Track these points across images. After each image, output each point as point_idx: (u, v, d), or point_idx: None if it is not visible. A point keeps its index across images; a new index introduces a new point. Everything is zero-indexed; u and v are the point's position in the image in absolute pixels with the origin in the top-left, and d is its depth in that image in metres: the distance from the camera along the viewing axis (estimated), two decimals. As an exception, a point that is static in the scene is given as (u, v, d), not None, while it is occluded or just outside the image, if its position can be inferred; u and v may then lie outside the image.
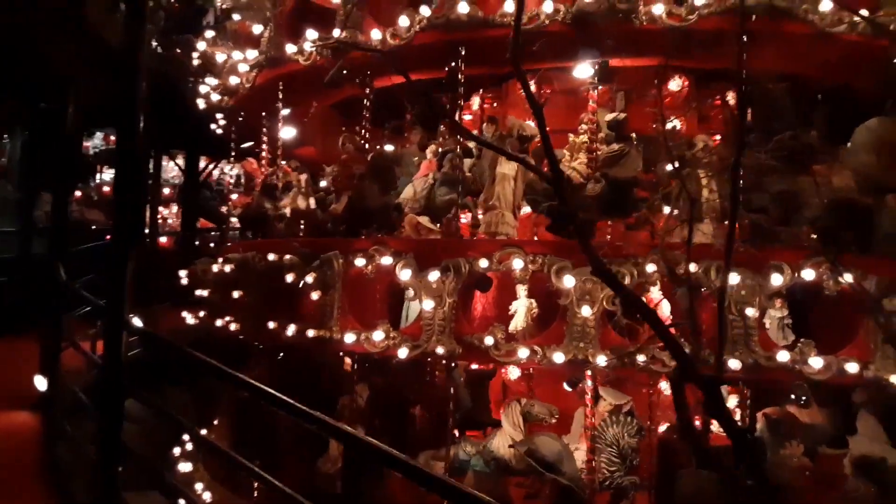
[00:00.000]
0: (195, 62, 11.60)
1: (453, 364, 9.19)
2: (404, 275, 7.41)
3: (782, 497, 7.65)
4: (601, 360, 6.82)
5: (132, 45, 5.21)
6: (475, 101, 11.05)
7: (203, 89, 11.34)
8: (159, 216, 16.77)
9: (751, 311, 6.80)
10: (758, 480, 7.87)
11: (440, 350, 7.26)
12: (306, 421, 4.20)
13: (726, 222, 7.06)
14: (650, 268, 6.87)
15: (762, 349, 6.88)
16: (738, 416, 10.08)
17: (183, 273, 10.84)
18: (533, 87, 10.44)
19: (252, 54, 9.75)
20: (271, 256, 8.81)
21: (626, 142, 7.64)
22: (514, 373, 10.01)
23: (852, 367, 6.93)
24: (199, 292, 10.93)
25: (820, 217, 7.82)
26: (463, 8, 7.76)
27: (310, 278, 7.99)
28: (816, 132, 7.83)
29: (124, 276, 4.99)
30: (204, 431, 9.49)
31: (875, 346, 7.07)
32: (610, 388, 8.63)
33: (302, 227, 9.77)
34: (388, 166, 8.39)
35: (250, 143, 12.31)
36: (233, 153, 11.88)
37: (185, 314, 10.97)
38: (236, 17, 11.09)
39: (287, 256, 8.53)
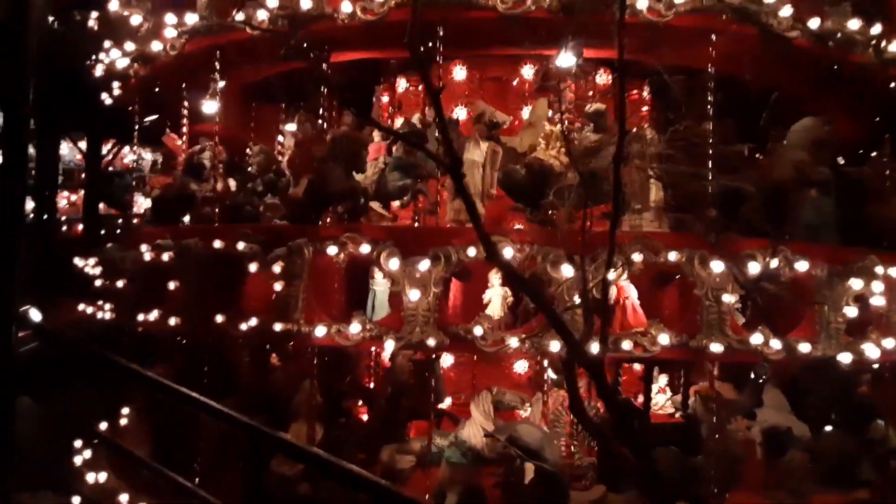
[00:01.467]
0: (95, 26, 10.36)
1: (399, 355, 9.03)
2: (392, 264, 7.10)
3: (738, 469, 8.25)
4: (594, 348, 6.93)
5: (17, 15, 4.52)
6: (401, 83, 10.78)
7: (109, 57, 10.14)
8: (67, 202, 14.94)
9: (727, 297, 7.20)
10: (695, 455, 8.45)
11: (431, 342, 7.04)
12: (215, 417, 3.94)
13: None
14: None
15: (734, 333, 7.31)
16: (668, 395, 10.78)
17: (91, 262, 9.69)
18: (466, 73, 10.38)
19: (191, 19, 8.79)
20: (218, 244, 8.10)
21: (605, 133, 7.76)
22: (447, 361, 9.96)
23: (804, 347, 7.54)
24: (101, 282, 9.87)
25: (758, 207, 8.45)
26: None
27: (277, 267, 7.42)
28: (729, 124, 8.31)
29: (12, 267, 4.33)
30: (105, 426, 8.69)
31: (820, 328, 7.76)
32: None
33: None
34: (353, 148, 7.95)
35: (154, 118, 11.22)
36: (136, 128, 10.74)
37: (89, 306, 9.85)
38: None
39: (241, 244, 7.87)
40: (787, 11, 7.67)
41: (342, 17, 7.83)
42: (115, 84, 10.57)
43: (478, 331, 7.15)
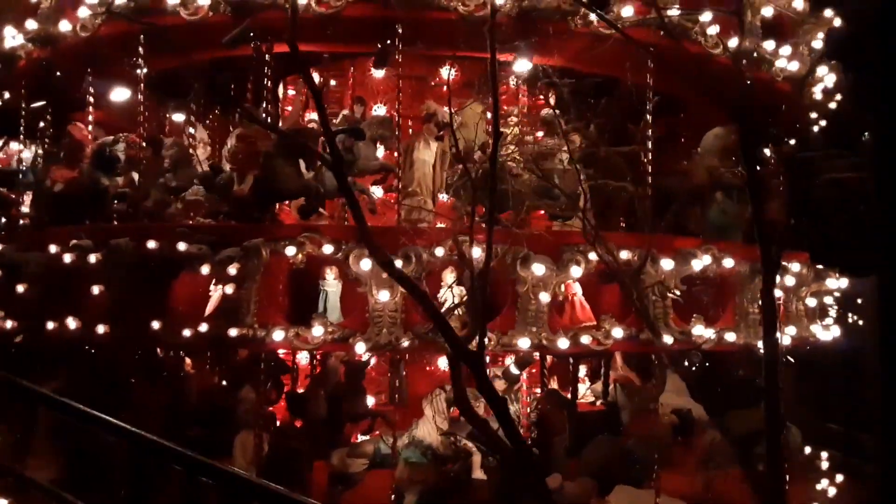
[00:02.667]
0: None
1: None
2: (363, 265, 6.93)
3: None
4: (563, 343, 7.21)
5: None
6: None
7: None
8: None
9: (670, 293, 7.74)
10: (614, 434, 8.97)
11: (405, 343, 6.97)
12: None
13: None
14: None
15: (675, 325, 7.88)
16: (586, 385, 11.33)
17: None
18: (383, 72, 10.27)
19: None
20: (152, 244, 7.49)
21: (557, 137, 8.04)
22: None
23: (730, 337, 8.27)
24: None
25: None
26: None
27: (233, 269, 7.01)
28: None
29: None
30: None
31: (740, 319, 8.55)
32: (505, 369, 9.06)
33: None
34: (304, 144, 7.67)
35: (41, 104, 10.14)
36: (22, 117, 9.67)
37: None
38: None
39: (183, 245, 7.34)
40: (713, 30, 8.33)
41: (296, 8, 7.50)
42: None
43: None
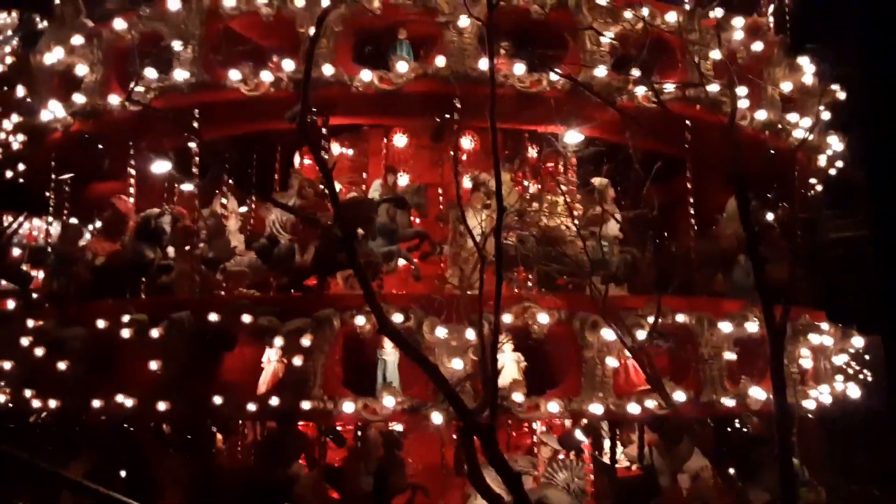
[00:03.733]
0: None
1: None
2: (439, 332, 6.97)
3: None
4: (633, 408, 7.29)
5: None
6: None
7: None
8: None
9: (728, 355, 7.93)
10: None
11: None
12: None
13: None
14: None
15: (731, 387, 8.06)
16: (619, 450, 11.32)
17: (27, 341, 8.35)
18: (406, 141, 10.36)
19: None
20: (214, 316, 7.41)
21: (610, 205, 8.32)
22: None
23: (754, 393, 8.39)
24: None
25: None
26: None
27: (307, 340, 6.97)
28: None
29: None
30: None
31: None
32: (551, 434, 9.06)
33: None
34: (363, 214, 7.76)
35: (68, 176, 10.08)
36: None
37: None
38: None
39: (247, 317, 7.28)
40: (744, 104, 8.83)
41: (357, 85, 7.74)
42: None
43: (517, 397, 7.20)
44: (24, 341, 8.35)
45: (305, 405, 7.00)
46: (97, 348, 8.08)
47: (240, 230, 10.35)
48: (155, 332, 7.35)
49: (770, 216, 10.81)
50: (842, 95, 10.43)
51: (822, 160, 10.97)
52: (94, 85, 8.70)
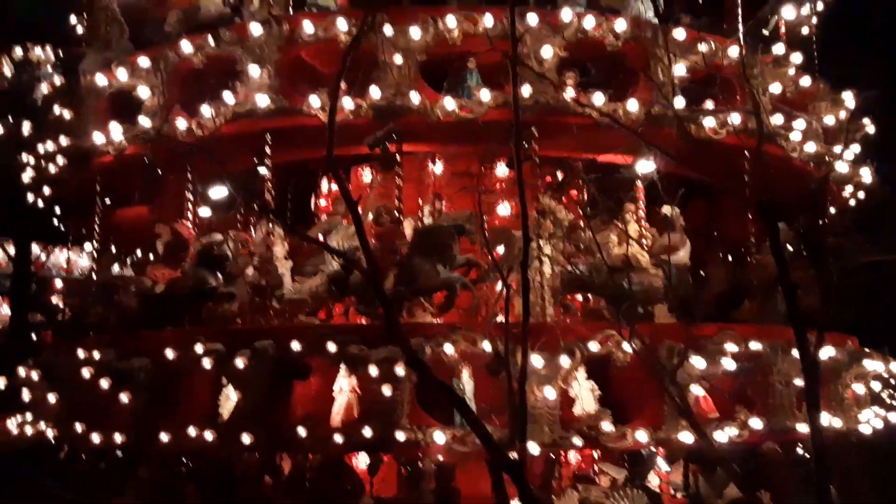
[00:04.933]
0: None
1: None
2: (535, 361, 6.95)
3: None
4: (720, 436, 7.35)
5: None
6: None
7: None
8: None
9: (797, 381, 8.05)
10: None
11: (577, 441, 6.97)
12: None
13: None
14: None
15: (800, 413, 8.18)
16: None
17: (88, 373, 8.05)
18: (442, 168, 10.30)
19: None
20: (297, 345, 7.27)
21: (680, 233, 8.44)
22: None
23: (837, 423, 8.61)
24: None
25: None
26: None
27: (400, 369, 6.89)
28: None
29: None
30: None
31: (836, 404, 8.95)
32: (609, 463, 9.06)
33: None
34: (439, 240, 7.74)
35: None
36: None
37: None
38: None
39: (332, 345, 7.16)
40: (797, 136, 9.09)
41: (438, 113, 7.77)
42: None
43: (605, 426, 7.21)
44: (84, 372, 8.02)
45: (400, 436, 6.88)
46: (163, 379, 7.84)
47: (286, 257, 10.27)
48: (240, 362, 7.15)
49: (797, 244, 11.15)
50: (871, 129, 10.79)
51: (849, 188, 11.29)
52: (156, 108, 8.53)
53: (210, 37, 8.22)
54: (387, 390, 7.03)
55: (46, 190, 10.41)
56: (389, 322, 5.52)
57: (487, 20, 7.71)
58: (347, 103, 7.79)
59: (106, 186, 9.70)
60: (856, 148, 10.98)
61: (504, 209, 10.29)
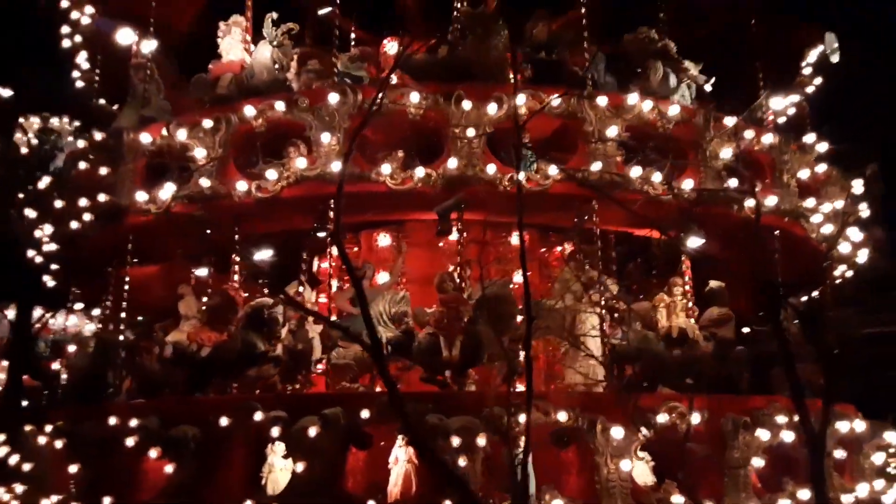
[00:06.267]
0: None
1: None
2: (615, 434, 7.03)
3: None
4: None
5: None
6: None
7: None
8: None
9: (839, 453, 8.37)
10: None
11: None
12: None
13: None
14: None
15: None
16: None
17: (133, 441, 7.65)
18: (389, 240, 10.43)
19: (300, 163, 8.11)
20: (366, 413, 7.15)
21: (728, 307, 8.76)
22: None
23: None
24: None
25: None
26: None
27: (482, 440, 6.84)
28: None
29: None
30: None
31: (858, 475, 9.27)
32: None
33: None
34: (501, 308, 7.83)
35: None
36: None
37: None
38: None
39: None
40: (817, 219, 9.66)
41: (505, 184, 8.00)
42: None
43: (676, 499, 7.28)
44: (129, 441, 7.61)
45: (477, 509, 6.77)
46: (213, 446, 7.54)
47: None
48: (313, 431, 6.96)
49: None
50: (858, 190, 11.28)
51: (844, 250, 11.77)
52: (212, 168, 8.45)
53: (281, 102, 8.27)
54: (462, 461, 6.95)
55: (55, 247, 10.15)
56: (388, 386, 5.15)
57: (555, 100, 8.05)
58: (419, 172, 7.92)
59: (134, 245, 9.45)
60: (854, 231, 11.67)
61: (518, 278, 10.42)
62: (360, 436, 7.36)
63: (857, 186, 10.44)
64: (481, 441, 6.87)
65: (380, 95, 5.87)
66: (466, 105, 7.83)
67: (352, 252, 10.19)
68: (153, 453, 7.50)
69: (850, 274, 11.58)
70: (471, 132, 7.86)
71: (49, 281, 10.89)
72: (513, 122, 8.22)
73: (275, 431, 7.11)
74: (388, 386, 5.28)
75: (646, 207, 8.34)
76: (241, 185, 8.25)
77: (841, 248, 10.51)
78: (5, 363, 13.11)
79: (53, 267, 10.64)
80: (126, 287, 10.06)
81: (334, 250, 8.86)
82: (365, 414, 7.16)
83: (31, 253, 10.75)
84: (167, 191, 8.49)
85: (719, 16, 10.32)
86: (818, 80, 10.95)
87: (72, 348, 10.88)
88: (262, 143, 8.76)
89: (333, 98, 7.98)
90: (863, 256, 11.44)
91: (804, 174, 9.67)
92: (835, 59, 10.82)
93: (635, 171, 8.02)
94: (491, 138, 8.40)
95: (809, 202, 9.36)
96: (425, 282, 9.33)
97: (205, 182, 8.27)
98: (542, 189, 8.09)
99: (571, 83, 8.43)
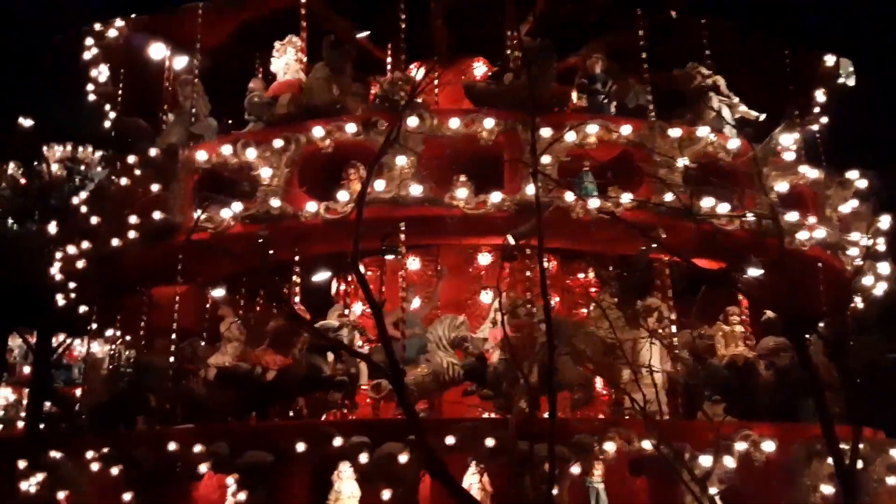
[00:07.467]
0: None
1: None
2: (703, 460, 7.06)
3: None
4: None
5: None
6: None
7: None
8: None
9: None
10: None
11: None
12: None
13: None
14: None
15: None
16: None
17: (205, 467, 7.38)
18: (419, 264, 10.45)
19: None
20: (451, 439, 7.05)
21: (786, 337, 8.92)
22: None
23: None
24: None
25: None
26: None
27: (576, 468, 6.81)
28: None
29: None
30: None
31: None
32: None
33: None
34: (562, 339, 7.85)
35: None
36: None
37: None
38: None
39: (490, 440, 7.00)
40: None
41: (581, 211, 8.08)
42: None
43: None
44: (202, 467, 7.33)
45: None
46: (280, 472, 7.33)
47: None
48: (403, 458, 6.82)
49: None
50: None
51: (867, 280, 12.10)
52: (277, 189, 8.32)
53: (353, 124, 8.22)
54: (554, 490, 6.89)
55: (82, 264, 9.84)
56: (415, 428, 5.29)
57: (625, 129, 8.17)
58: (494, 197, 7.94)
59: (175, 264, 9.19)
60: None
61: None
62: (436, 463, 7.25)
63: (885, 222, 10.85)
64: (576, 469, 6.84)
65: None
66: (546, 132, 7.90)
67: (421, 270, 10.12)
68: (230, 480, 7.24)
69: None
70: (546, 159, 7.92)
71: (69, 301, 10.53)
72: (583, 151, 8.44)
73: (363, 458, 6.94)
74: (407, 413, 5.30)
75: (708, 237, 8.56)
76: (311, 206, 8.13)
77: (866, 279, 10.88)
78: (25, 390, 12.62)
79: (74, 285, 10.31)
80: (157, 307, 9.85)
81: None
82: (450, 440, 7.07)
83: (53, 270, 10.46)
84: (230, 210, 8.31)
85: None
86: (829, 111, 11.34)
87: (98, 372, 10.49)
88: (323, 165, 8.68)
89: (413, 122, 7.97)
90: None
91: (845, 208, 10.00)
92: (850, 83, 11.21)
93: (706, 202, 8.17)
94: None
95: (854, 235, 9.65)
96: (453, 306, 9.50)
97: (275, 202, 8.12)
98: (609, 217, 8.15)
99: (636, 114, 8.60)
